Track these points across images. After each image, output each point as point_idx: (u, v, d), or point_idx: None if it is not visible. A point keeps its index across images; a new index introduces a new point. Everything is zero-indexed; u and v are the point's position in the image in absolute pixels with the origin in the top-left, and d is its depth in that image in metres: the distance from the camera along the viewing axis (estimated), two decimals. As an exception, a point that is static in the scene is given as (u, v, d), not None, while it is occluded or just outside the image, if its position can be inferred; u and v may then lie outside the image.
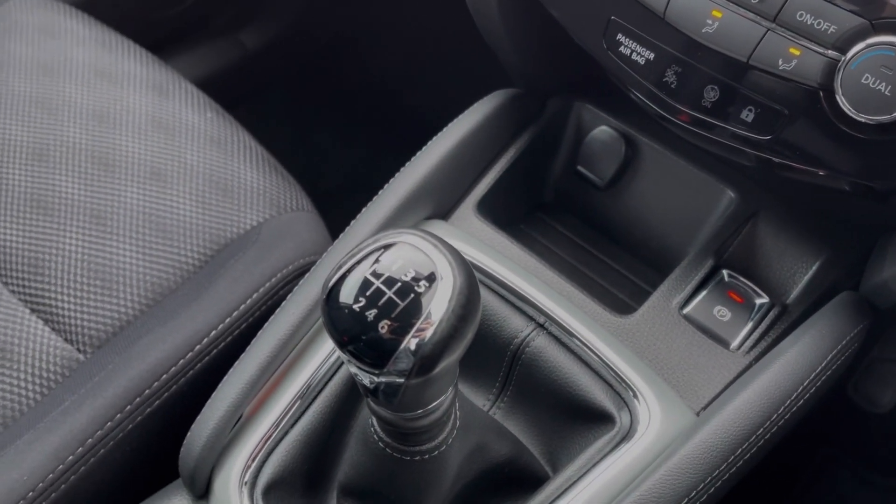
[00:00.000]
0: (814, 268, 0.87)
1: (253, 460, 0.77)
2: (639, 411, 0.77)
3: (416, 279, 0.54)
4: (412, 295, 0.54)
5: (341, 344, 0.55)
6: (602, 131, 0.97)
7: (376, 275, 0.55)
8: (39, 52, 1.21)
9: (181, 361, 0.94)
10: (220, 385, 0.81)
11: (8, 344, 0.97)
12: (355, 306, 0.54)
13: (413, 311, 0.54)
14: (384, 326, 0.53)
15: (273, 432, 0.78)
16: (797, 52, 0.68)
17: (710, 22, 0.71)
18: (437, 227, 0.92)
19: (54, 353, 0.97)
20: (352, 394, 0.81)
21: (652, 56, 0.76)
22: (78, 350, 0.98)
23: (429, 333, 0.54)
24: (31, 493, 0.85)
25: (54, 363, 0.96)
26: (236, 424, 0.79)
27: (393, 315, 0.53)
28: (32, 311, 1.00)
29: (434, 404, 0.61)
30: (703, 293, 0.87)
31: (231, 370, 0.81)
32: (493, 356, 0.84)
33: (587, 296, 0.86)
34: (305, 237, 1.08)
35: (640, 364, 0.81)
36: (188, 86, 1.23)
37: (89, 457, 0.88)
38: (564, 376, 0.80)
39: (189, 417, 0.80)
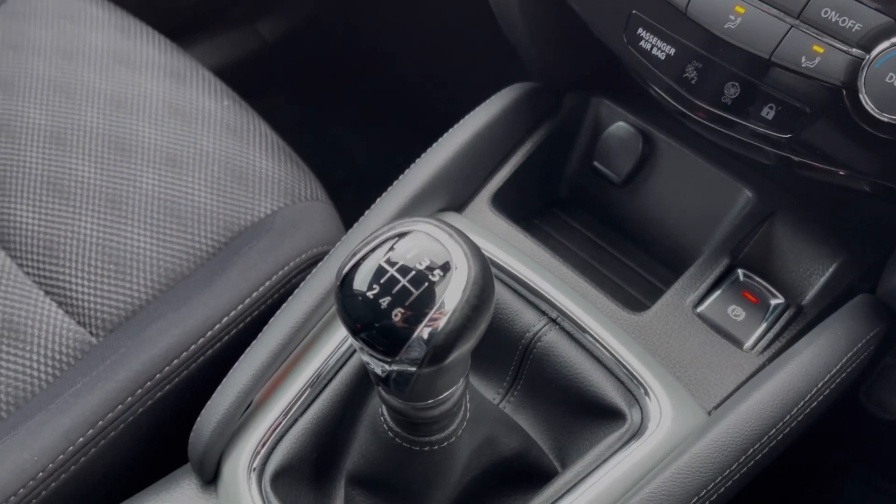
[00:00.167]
0: (831, 269, 0.86)
1: (262, 447, 0.78)
2: (650, 409, 0.77)
3: (430, 268, 0.54)
4: (426, 284, 0.53)
5: (354, 331, 0.55)
6: (619, 127, 0.97)
7: (391, 263, 0.54)
8: (59, 37, 1.22)
9: (192, 347, 0.94)
10: (230, 371, 0.81)
11: (21, 325, 0.97)
12: (369, 294, 0.54)
13: (427, 299, 0.53)
14: (397, 314, 0.53)
15: (283, 420, 0.78)
16: (821, 50, 0.67)
17: (732, 17, 0.71)
18: (451, 219, 0.91)
19: (67, 336, 0.98)
20: (362, 383, 0.81)
21: (672, 51, 0.76)
22: (90, 333, 0.99)
23: (442, 323, 0.53)
24: (41, 474, 0.86)
25: (67, 345, 0.97)
26: (246, 411, 0.79)
27: (407, 303, 0.53)
28: (46, 293, 1.01)
29: (445, 395, 0.61)
30: (718, 292, 0.87)
31: (242, 357, 0.81)
32: (504, 350, 0.84)
33: (600, 292, 0.86)
34: (319, 227, 1.08)
35: (652, 361, 0.80)
36: (206, 73, 1.23)
37: (99, 439, 0.89)
38: (576, 372, 0.80)
39: (199, 403, 0.80)
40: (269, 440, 0.78)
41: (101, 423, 0.89)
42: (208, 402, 0.80)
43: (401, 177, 0.91)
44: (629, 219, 1.01)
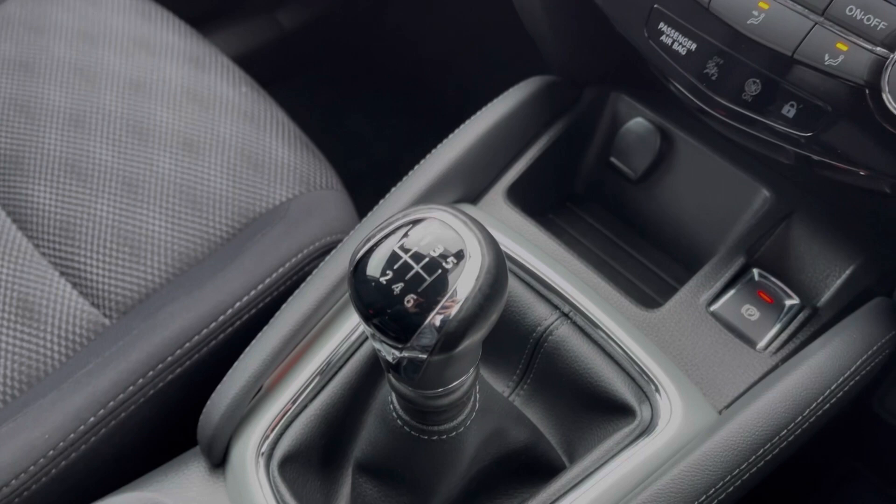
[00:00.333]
0: (847, 271, 0.85)
1: (271, 432, 0.78)
2: (660, 406, 0.76)
3: (444, 255, 0.54)
4: (439, 271, 0.53)
5: (366, 316, 0.55)
6: (637, 123, 0.96)
7: (405, 249, 0.54)
8: (81, 20, 1.22)
9: (204, 331, 0.95)
10: (241, 356, 0.81)
11: (36, 305, 0.98)
12: (382, 279, 0.54)
13: (440, 287, 0.53)
14: (410, 301, 0.53)
15: (292, 406, 0.79)
16: (844, 48, 0.66)
17: (755, 13, 0.70)
18: (466, 210, 0.91)
19: (81, 317, 0.98)
20: (372, 372, 0.81)
21: (694, 47, 0.75)
22: (104, 314, 0.99)
23: (454, 311, 0.53)
24: (51, 452, 0.86)
25: (80, 326, 0.98)
26: (256, 396, 0.80)
27: (419, 290, 0.53)
28: (62, 273, 1.02)
29: (455, 384, 0.61)
30: (732, 291, 0.86)
31: (253, 342, 0.82)
32: (515, 343, 0.84)
33: (613, 288, 0.85)
34: (333, 215, 1.09)
35: (663, 359, 0.80)
36: (225, 60, 1.24)
37: (110, 419, 0.89)
38: (586, 367, 0.80)
39: (209, 387, 0.81)
40: (278, 426, 0.78)
41: (112, 403, 0.89)
42: (218, 387, 0.80)
43: (417, 167, 0.90)
44: (644, 215, 1.00)
